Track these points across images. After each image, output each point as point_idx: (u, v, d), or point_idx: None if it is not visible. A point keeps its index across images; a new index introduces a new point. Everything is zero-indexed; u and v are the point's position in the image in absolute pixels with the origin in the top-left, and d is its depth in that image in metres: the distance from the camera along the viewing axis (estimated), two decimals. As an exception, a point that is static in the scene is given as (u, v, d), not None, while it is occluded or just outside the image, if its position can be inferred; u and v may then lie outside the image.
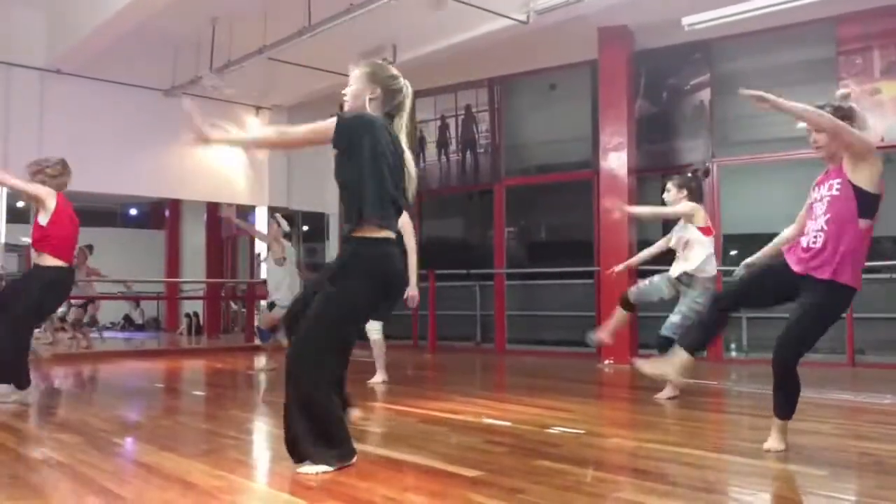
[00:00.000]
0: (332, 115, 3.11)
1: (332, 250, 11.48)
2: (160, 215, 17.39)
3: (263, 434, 4.24)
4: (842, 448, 3.63)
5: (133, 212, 18.26)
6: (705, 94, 8.33)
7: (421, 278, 10.07)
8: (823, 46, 7.75)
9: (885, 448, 3.52)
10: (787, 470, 3.11)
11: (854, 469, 3.26)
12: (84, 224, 5.32)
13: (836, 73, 7.59)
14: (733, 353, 7.80)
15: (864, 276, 8.10)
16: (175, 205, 15.96)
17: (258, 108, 10.71)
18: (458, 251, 11.86)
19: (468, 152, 9.99)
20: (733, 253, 9.63)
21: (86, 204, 10.29)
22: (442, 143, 10.18)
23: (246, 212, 11.97)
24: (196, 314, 13.98)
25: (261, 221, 10.90)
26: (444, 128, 10.14)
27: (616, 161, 8.29)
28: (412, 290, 5.34)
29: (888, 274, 8.08)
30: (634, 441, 3.80)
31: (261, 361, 6.95)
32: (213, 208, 13.69)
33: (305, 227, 11.87)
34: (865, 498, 2.78)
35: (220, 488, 2.79)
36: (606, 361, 7.95)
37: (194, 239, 15.52)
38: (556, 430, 4.02)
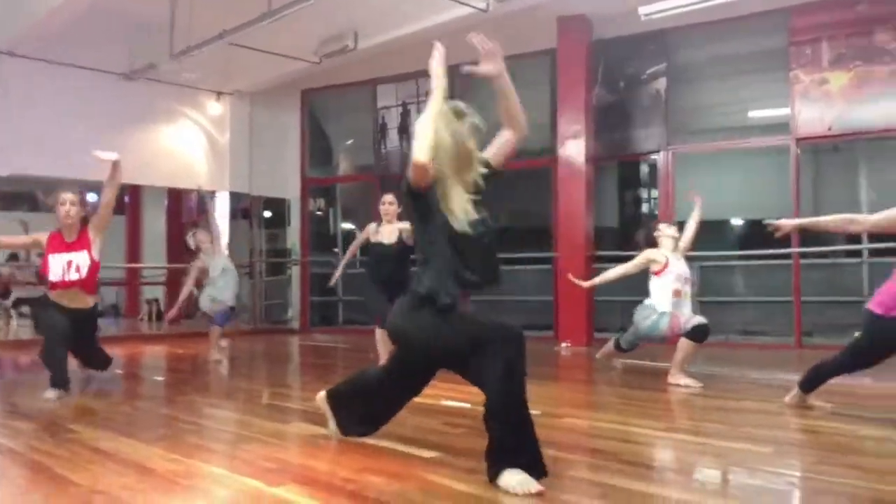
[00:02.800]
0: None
1: (293, 236, 11.44)
2: (119, 201, 17.10)
3: (223, 419, 4.26)
4: (786, 426, 3.77)
5: (91, 197, 17.92)
6: (661, 84, 8.47)
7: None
8: (776, 37, 7.93)
9: (827, 425, 3.68)
10: (732, 448, 3.23)
11: (797, 446, 3.40)
12: (41, 210, 5.26)
13: (788, 63, 7.78)
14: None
15: (814, 261, 8.34)
16: (135, 190, 15.71)
17: (219, 94, 10.61)
18: (419, 237, 11.92)
19: (429, 139, 10.02)
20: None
21: (44, 189, 10.12)
22: (403, 130, 10.20)
23: (207, 196, 11.87)
24: (157, 300, 13.84)
25: (222, 207, 10.82)
26: (405, 114, 10.16)
27: (574, 149, 8.40)
28: None
29: (833, 259, 8.34)
30: (588, 421, 3.91)
31: (218, 347, 6.94)
32: (174, 193, 13.54)
33: (267, 213, 11.80)
34: (807, 473, 2.91)
35: (179, 473, 2.82)
36: (563, 344, 8.10)
37: (155, 224, 15.34)
38: (512, 412, 4.10)
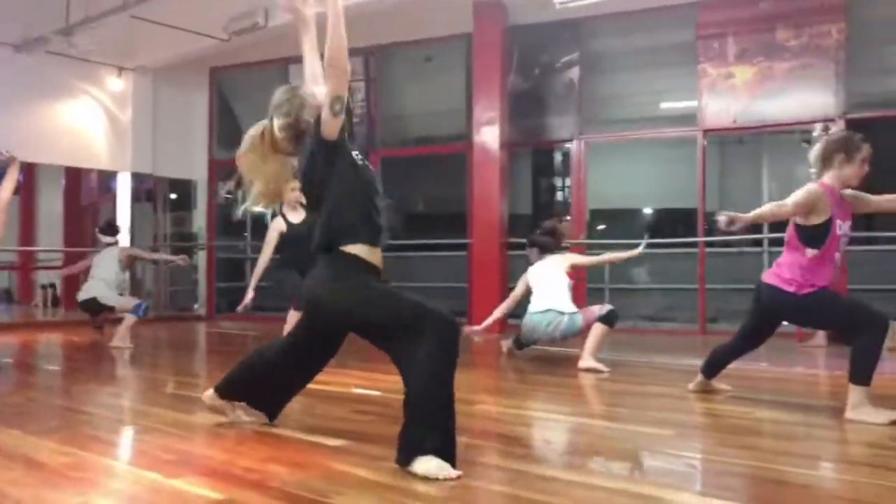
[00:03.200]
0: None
1: (199, 219, 11.09)
2: (12, 179, 16.20)
3: (122, 409, 4.08)
4: (688, 410, 3.87)
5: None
6: (575, 73, 8.58)
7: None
8: (685, 30, 8.14)
9: (727, 409, 3.79)
10: (637, 431, 3.29)
11: (698, 428, 3.49)
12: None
13: (696, 56, 7.99)
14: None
15: (718, 249, 8.62)
16: (30, 168, 14.91)
17: (121, 69, 10.14)
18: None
19: (343, 121, 9.86)
20: (600, 228, 10.04)
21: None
22: (317, 112, 10.01)
23: (108, 177, 11.39)
24: (53, 285, 13.21)
25: (123, 188, 10.39)
26: (318, 96, 9.97)
27: (489, 135, 8.42)
28: None
29: (738, 248, 8.65)
30: (498, 407, 3.91)
31: (120, 335, 6.65)
32: (71, 173, 12.91)
33: (173, 195, 11.40)
34: (706, 455, 2.99)
35: (70, 465, 2.67)
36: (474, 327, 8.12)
37: (51, 205, 14.60)
38: (423, 399, 4.07)
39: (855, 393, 3.41)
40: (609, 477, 2.62)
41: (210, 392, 3.26)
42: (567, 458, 2.98)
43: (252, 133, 3.02)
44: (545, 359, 5.89)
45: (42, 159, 10.24)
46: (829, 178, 3.68)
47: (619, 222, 10.50)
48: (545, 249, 5.72)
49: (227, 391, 3.22)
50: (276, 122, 2.97)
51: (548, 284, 5.54)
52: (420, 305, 2.62)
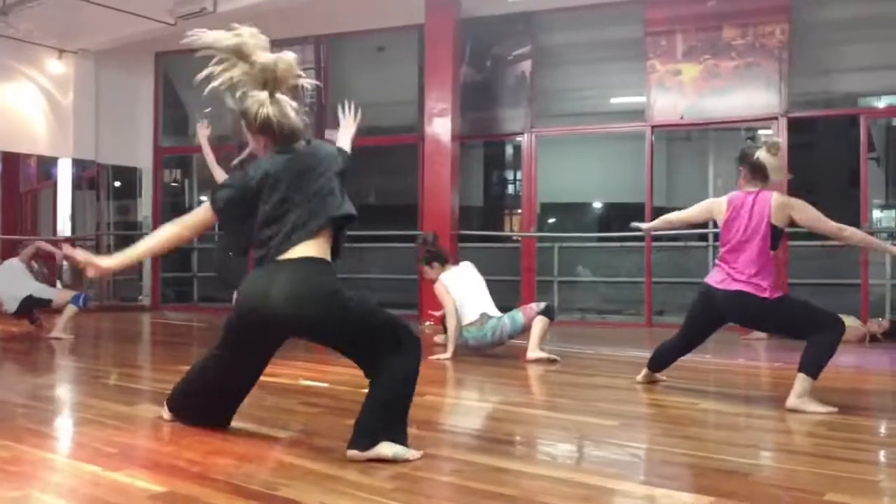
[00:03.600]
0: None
1: (144, 208, 10.84)
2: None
3: (61, 401, 3.97)
4: (632, 400, 3.93)
5: None
6: (527, 66, 8.61)
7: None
8: (633, 27, 8.23)
9: (671, 400, 3.86)
10: (582, 421, 3.33)
11: (643, 419, 3.55)
12: None
13: (645, 52, 8.10)
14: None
15: (664, 244, 8.72)
16: (-36, 153, 14.39)
17: (61, 52, 9.82)
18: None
19: (293, 110, 9.74)
20: (550, 221, 10.13)
21: None
22: (265, 100, 9.85)
23: (48, 164, 11.03)
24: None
25: (64, 175, 10.09)
26: (268, 84, 9.81)
27: (441, 126, 8.40)
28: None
29: (684, 243, 8.81)
30: (447, 398, 3.92)
31: (60, 326, 6.46)
32: (9, 159, 12.47)
33: (117, 183, 11.11)
34: (650, 445, 3.04)
35: (5, 459, 2.58)
36: (427, 323, 8.12)
37: (-13, 192, 14.10)
38: (372, 390, 4.06)
39: (801, 382, 3.50)
40: (555, 467, 2.64)
41: (165, 410, 3.16)
42: (514, 448, 3.00)
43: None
44: (492, 351, 5.92)
45: (-23, 143, 9.88)
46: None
47: (568, 215, 10.61)
48: (445, 260, 5.69)
49: (178, 412, 3.10)
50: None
51: (473, 291, 5.53)
52: (394, 319, 2.80)
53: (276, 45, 10.08)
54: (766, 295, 3.57)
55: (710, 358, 5.39)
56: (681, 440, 2.99)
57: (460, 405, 3.68)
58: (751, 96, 7.69)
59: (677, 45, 7.93)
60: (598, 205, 11.22)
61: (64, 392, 4.25)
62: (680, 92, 7.95)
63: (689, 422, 3.40)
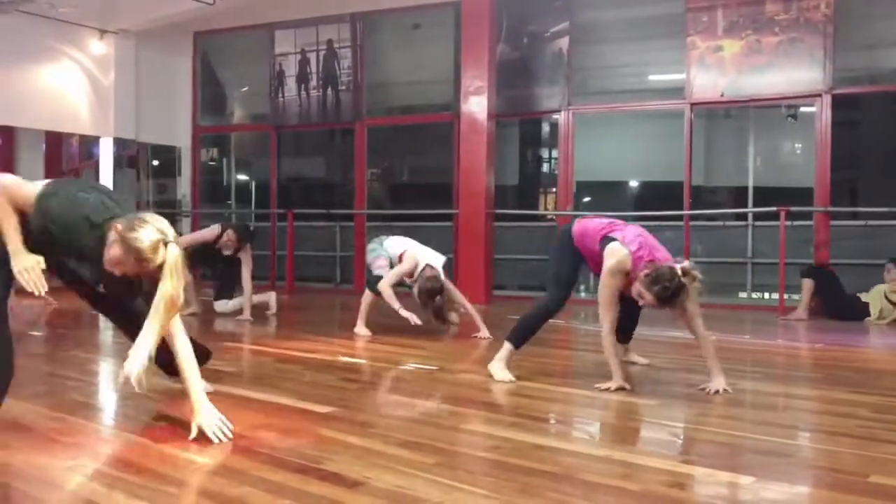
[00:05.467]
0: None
1: (183, 186, 11.00)
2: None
3: (108, 375, 4.07)
4: (671, 380, 3.93)
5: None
6: (564, 42, 8.52)
7: (279, 217, 9.90)
8: (673, 2, 8.09)
9: (707, 379, 3.82)
10: (623, 401, 3.34)
11: (681, 399, 3.54)
12: None
13: (685, 29, 7.97)
14: (582, 294, 8.20)
15: (704, 223, 8.60)
16: (8, 134, 14.67)
17: (103, 32, 9.95)
18: (319, 191, 11.70)
19: (329, 89, 9.78)
20: (586, 200, 10.06)
21: None
22: (302, 79, 9.89)
23: (90, 143, 11.24)
24: (34, 252, 13.08)
25: (105, 154, 10.26)
26: (304, 62, 9.85)
27: (476, 105, 8.37)
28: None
29: (723, 222, 8.71)
30: (484, 376, 3.94)
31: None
32: (52, 138, 12.73)
33: (155, 162, 11.28)
34: (689, 424, 3.04)
35: (59, 430, 2.67)
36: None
37: (31, 171, 14.38)
38: (409, 367, 4.11)
39: (503, 350, 3.78)
40: (594, 444, 2.66)
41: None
42: (552, 426, 3.02)
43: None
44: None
45: (22, 123, 10.09)
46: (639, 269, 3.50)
47: (606, 194, 10.52)
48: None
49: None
50: None
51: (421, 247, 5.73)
52: None
53: (312, 22, 10.25)
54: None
55: (749, 339, 5.35)
56: (720, 420, 2.99)
57: (497, 383, 3.71)
58: (794, 72, 7.54)
59: (718, 21, 7.79)
60: (634, 183, 11.11)
61: (109, 366, 4.36)
62: (720, 69, 7.82)
63: (728, 402, 3.38)
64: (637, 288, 3.46)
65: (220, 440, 2.51)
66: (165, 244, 2.54)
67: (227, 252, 6.40)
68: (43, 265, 2.65)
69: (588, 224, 3.80)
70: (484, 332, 5.30)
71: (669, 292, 3.37)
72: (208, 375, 3.41)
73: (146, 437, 2.58)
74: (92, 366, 4.31)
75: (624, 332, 4.16)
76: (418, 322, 5.25)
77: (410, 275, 5.40)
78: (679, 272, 3.38)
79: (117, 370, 2.77)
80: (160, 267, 2.54)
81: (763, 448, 2.57)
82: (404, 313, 5.23)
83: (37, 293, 2.64)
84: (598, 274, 3.65)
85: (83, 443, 2.57)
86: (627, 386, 3.49)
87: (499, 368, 3.72)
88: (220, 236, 6.36)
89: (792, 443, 2.73)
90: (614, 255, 3.53)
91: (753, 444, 2.62)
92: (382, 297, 5.36)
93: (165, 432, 2.65)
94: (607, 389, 3.46)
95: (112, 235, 2.55)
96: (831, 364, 4.57)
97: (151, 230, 2.53)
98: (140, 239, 2.50)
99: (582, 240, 3.77)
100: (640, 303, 3.52)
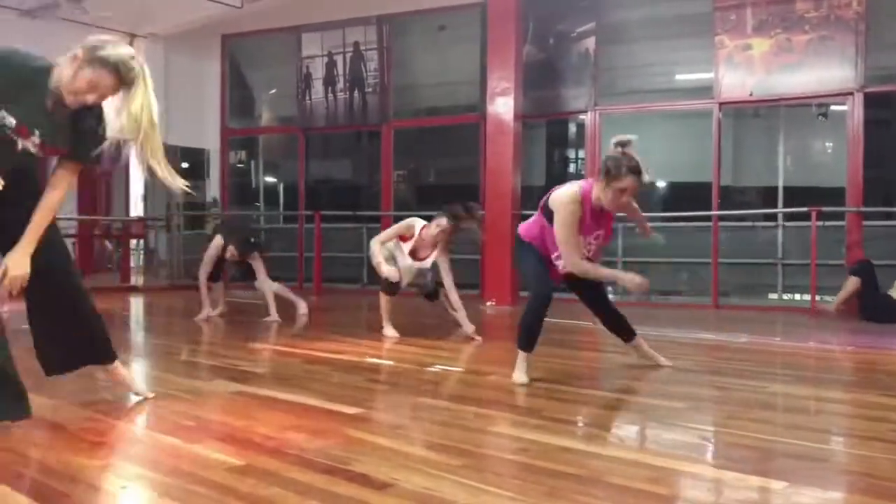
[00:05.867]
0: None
1: (212, 188, 11.12)
2: (25, 147, 16.30)
3: (138, 375, 4.12)
4: (699, 382, 3.89)
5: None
6: (590, 43, 8.49)
7: (306, 219, 9.96)
8: (702, 1, 8.03)
9: (739, 382, 3.80)
10: (649, 403, 3.31)
11: (710, 402, 3.51)
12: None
13: (713, 28, 7.89)
14: (610, 296, 8.16)
15: (732, 223, 8.53)
16: (42, 136, 14.95)
17: (132, 37, 10.09)
18: (346, 193, 11.76)
19: (356, 91, 9.83)
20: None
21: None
22: (329, 81, 9.95)
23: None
24: (66, 253, 13.30)
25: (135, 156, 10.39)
26: (331, 65, 9.91)
27: (503, 106, 8.36)
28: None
29: (752, 223, 8.61)
30: (510, 378, 3.93)
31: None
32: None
33: (185, 164, 11.40)
34: (719, 427, 3.00)
35: (92, 430, 2.71)
36: (488, 303, 8.16)
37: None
38: (436, 369, 4.12)
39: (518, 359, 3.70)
40: (622, 448, 2.64)
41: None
42: (581, 429, 3.00)
43: None
44: (555, 329, 5.91)
45: (55, 127, 10.25)
46: (596, 187, 3.56)
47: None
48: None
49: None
50: None
51: None
52: None
53: (338, 25, 10.31)
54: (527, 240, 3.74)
55: (779, 341, 5.29)
56: (750, 423, 2.95)
57: (525, 385, 3.70)
58: (825, 71, 7.44)
59: (747, 20, 7.71)
60: (662, 184, 11.02)
61: (140, 367, 4.41)
62: (749, 68, 7.74)
63: (758, 405, 3.34)
64: (612, 188, 3.46)
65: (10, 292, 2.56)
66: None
67: (235, 263, 6.48)
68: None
69: (526, 222, 3.85)
70: (467, 328, 5.30)
71: (635, 162, 3.41)
72: (235, 376, 3.45)
73: (177, 437, 2.60)
74: (124, 366, 4.36)
75: (613, 328, 4.14)
76: (396, 279, 5.28)
77: (405, 239, 5.40)
78: (619, 150, 3.46)
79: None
80: (134, 81, 2.52)
81: (795, 452, 2.54)
82: (385, 269, 5.29)
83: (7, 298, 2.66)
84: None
85: (115, 442, 2.61)
86: (640, 279, 3.50)
87: (517, 373, 3.68)
88: (224, 248, 6.41)
89: (824, 447, 2.69)
90: (562, 193, 3.58)
91: (785, 448, 2.59)
92: (392, 295, 5.38)
93: (196, 432, 2.68)
94: (633, 283, 3.51)
95: (73, 64, 2.50)
96: (864, 367, 4.50)
97: (115, 44, 2.53)
98: (118, 51, 2.50)
99: (529, 232, 3.77)
100: (623, 199, 3.50)
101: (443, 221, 5.28)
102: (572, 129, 10.26)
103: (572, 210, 3.53)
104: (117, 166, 11.92)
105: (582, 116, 8.80)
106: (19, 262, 2.63)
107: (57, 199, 2.75)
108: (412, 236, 5.38)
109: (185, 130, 10.69)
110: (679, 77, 9.26)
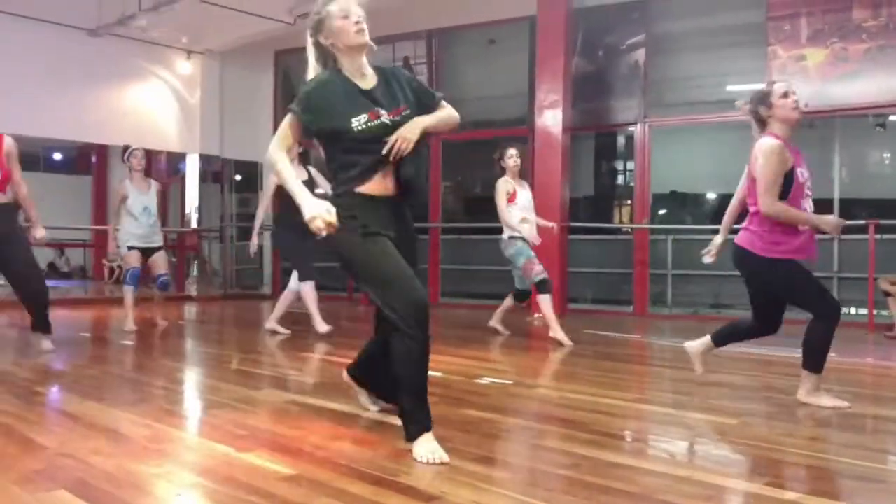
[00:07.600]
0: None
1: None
2: (86, 160, 16.81)
3: (192, 384, 4.22)
4: (751, 398, 3.82)
5: (57, 156, 17.59)
6: (640, 55, 8.43)
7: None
8: (754, 11, 7.91)
9: (792, 399, 3.72)
10: (702, 419, 3.27)
11: (763, 417, 3.44)
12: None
13: (766, 38, 7.77)
14: (659, 309, 8.07)
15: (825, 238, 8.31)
16: (102, 149, 15.42)
17: (189, 53, 10.38)
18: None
19: (405, 105, 9.90)
20: (661, 212, 9.88)
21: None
22: (378, 95, 10.05)
23: (177, 159, 11.68)
24: (120, 266, 13.65)
25: (192, 169, 10.66)
26: (380, 79, 10.01)
27: (552, 118, 8.35)
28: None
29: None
30: (560, 391, 3.92)
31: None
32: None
33: (238, 177, 11.63)
34: (772, 445, 2.94)
35: (148, 437, 2.78)
36: (536, 315, 8.11)
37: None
38: (485, 381, 4.12)
39: (808, 379, 3.53)
40: (673, 464, 2.61)
41: (344, 372, 3.27)
42: (630, 444, 2.97)
43: None
44: (603, 342, 5.86)
45: (114, 140, 10.55)
46: (774, 127, 3.52)
47: (682, 206, 10.32)
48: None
49: (354, 374, 3.21)
50: None
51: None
52: None
53: (389, 40, 10.43)
54: (758, 251, 3.48)
55: (836, 357, 5.14)
56: (806, 441, 2.89)
57: (574, 399, 3.68)
58: (884, 80, 7.26)
59: (802, 29, 7.57)
60: (712, 195, 10.86)
61: (194, 376, 4.51)
62: (804, 78, 7.58)
63: (813, 422, 3.27)
64: (777, 104, 3.48)
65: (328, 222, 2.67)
66: None
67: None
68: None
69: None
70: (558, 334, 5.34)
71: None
72: (283, 384, 3.51)
73: (229, 446, 2.65)
74: (178, 374, 4.47)
75: (729, 338, 4.03)
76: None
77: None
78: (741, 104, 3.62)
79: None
80: None
81: (851, 472, 2.48)
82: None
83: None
84: None
85: (170, 450, 2.68)
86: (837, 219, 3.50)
87: (825, 399, 3.53)
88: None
89: (882, 467, 2.62)
90: (764, 146, 3.47)
91: (841, 468, 2.53)
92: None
93: (248, 441, 2.73)
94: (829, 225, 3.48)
95: None
96: (925, 385, 4.36)
97: None
98: None
99: (762, 244, 3.52)
100: (790, 101, 3.49)
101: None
102: (621, 140, 10.19)
103: (781, 159, 3.44)
104: (174, 178, 12.23)
105: (631, 128, 8.73)
106: (411, 127, 2.76)
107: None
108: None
109: (239, 144, 10.93)
110: (730, 88, 9.12)
